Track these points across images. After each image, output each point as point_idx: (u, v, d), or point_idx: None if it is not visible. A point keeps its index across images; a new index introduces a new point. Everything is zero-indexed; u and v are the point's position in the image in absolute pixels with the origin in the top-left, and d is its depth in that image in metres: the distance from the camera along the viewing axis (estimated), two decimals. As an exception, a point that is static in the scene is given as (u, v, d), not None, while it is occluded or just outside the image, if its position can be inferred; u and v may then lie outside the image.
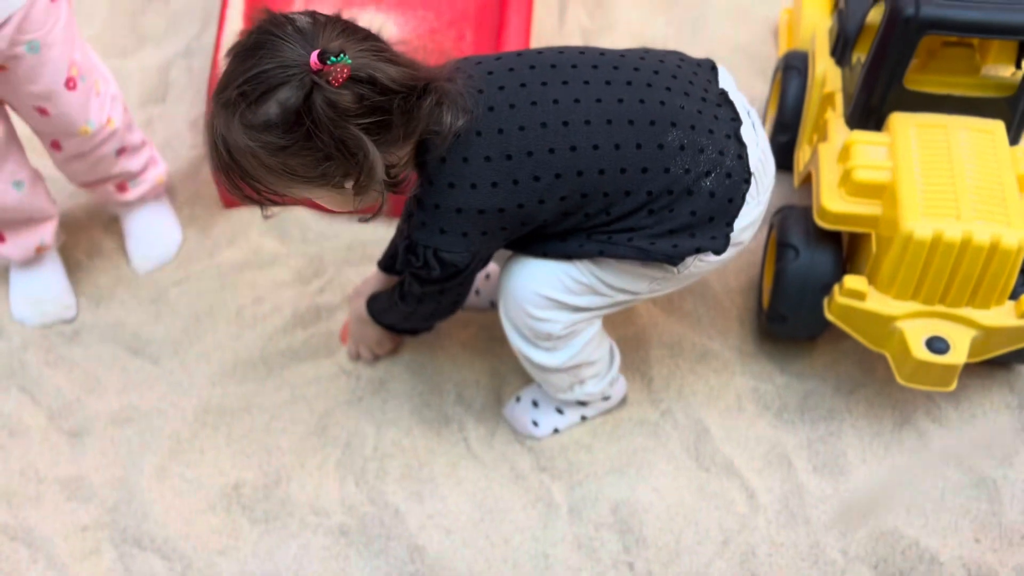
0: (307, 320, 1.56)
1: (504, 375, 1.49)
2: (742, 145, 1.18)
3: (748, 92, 1.83)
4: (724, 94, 1.21)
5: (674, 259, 1.17)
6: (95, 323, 1.57)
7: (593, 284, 1.22)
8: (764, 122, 1.78)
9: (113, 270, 1.63)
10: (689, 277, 1.25)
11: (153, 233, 1.63)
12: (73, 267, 1.63)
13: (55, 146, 1.46)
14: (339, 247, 1.66)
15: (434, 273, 1.18)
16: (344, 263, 1.63)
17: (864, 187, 1.31)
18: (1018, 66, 1.41)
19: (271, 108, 1.00)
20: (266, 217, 1.17)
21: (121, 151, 1.52)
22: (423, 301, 1.26)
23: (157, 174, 1.61)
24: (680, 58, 1.24)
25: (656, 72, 1.18)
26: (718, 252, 1.19)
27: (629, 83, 1.16)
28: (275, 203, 1.13)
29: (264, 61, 1.00)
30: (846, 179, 1.32)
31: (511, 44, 1.71)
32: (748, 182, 1.18)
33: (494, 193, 1.12)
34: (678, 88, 1.17)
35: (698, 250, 1.17)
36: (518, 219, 1.15)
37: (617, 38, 1.97)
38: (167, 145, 1.78)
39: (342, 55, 0.99)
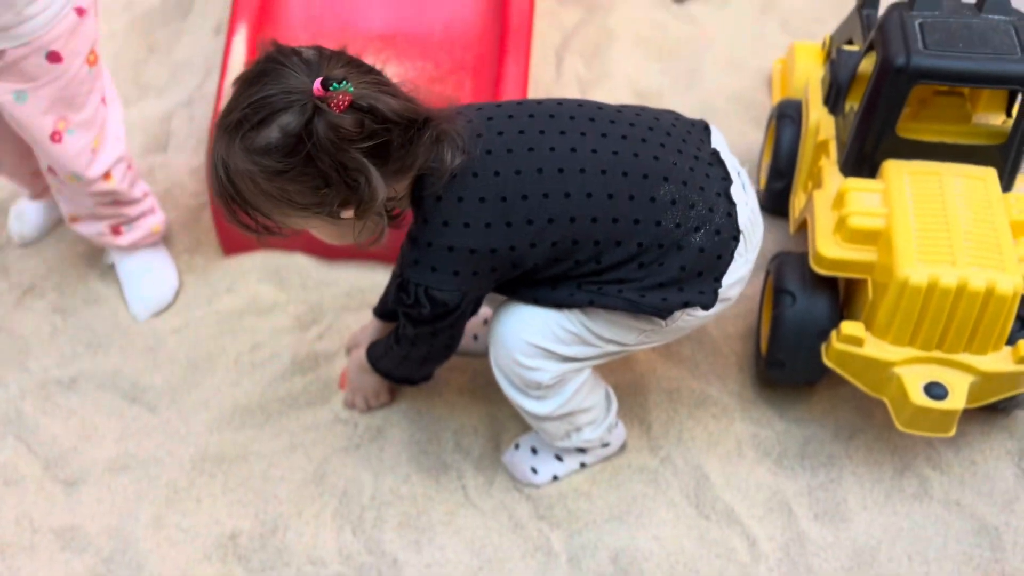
0: (305, 367, 1.56)
1: (502, 421, 1.48)
2: (732, 204, 1.20)
3: (743, 140, 1.87)
4: (716, 154, 1.24)
5: (663, 312, 1.18)
6: (93, 371, 1.56)
7: (582, 334, 1.22)
8: (759, 169, 1.81)
9: (111, 317, 1.63)
10: (677, 331, 1.26)
11: (150, 278, 1.64)
12: (70, 314, 1.63)
13: (50, 170, 1.47)
14: (338, 294, 1.66)
15: (424, 311, 1.18)
16: (343, 310, 1.64)
17: (859, 233, 1.32)
18: (1008, 114, 1.43)
19: (272, 132, 1.02)
20: (260, 242, 1.17)
21: (116, 202, 1.53)
22: (416, 344, 1.26)
23: (154, 223, 1.62)
24: (675, 117, 1.26)
25: (651, 128, 1.20)
26: (706, 307, 1.20)
27: (624, 137, 1.18)
28: (271, 232, 1.14)
29: (268, 87, 1.02)
30: (841, 225, 1.34)
31: (509, 93, 1.74)
32: (737, 239, 1.20)
33: (487, 233, 1.13)
34: (672, 145, 1.20)
35: (686, 304, 1.19)
36: (509, 261, 1.16)
37: (613, 88, 2.00)
38: (167, 193, 1.80)
39: (344, 82, 1.01)
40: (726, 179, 1.21)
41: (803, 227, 1.50)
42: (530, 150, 1.15)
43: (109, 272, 1.68)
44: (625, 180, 1.15)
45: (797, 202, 1.58)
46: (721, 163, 1.23)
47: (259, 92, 1.03)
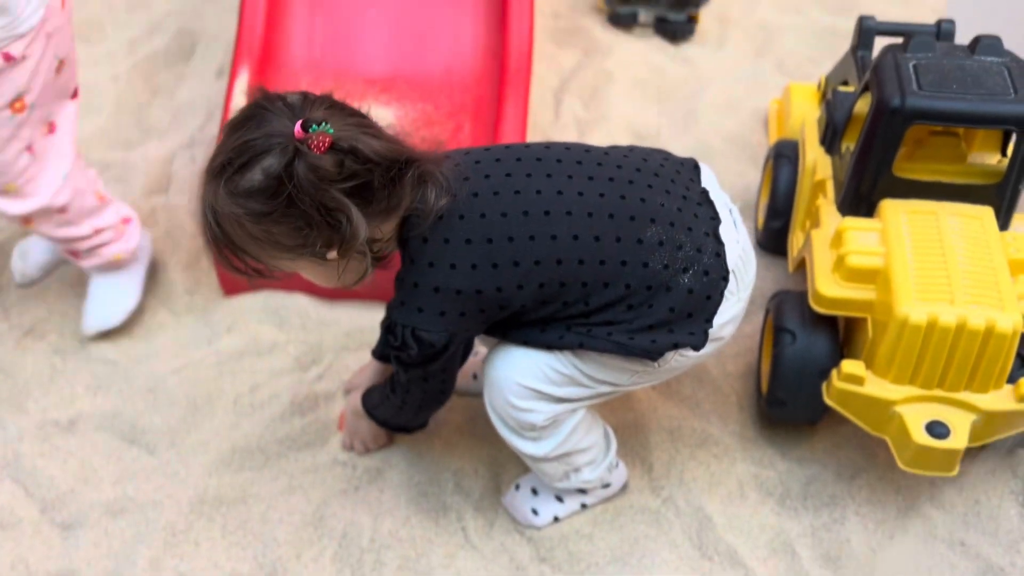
0: (305, 408, 1.56)
1: (503, 462, 1.48)
2: (720, 244, 1.20)
3: (740, 179, 1.89)
4: (705, 193, 1.24)
5: (652, 354, 1.18)
6: (92, 412, 1.56)
7: (574, 375, 1.22)
8: (756, 208, 1.82)
9: (109, 361, 1.63)
10: (670, 371, 1.25)
11: (107, 297, 1.64)
12: (70, 356, 1.63)
13: None
14: (338, 334, 1.66)
15: (412, 353, 1.18)
16: (343, 350, 1.64)
17: (858, 272, 1.32)
18: (1003, 153, 1.44)
19: (255, 175, 1.04)
20: (252, 284, 1.19)
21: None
22: (410, 390, 1.26)
23: (115, 251, 1.61)
24: (664, 157, 1.27)
25: (639, 170, 1.21)
26: (697, 348, 1.19)
27: (611, 179, 1.19)
28: (262, 275, 1.16)
29: (251, 132, 1.05)
30: (840, 264, 1.34)
31: (508, 135, 1.75)
32: (726, 279, 1.19)
33: (473, 275, 1.14)
34: (660, 186, 1.20)
35: (676, 345, 1.18)
36: (496, 302, 1.16)
37: (611, 129, 2.02)
38: (168, 235, 1.81)
39: (324, 124, 1.04)
40: (715, 218, 1.21)
41: (802, 266, 1.50)
42: (516, 193, 1.16)
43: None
44: (612, 222, 1.16)
45: (795, 241, 1.58)
46: (710, 202, 1.23)
47: (243, 136, 1.06)
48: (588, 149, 1.23)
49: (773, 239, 1.71)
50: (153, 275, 1.75)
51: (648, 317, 1.17)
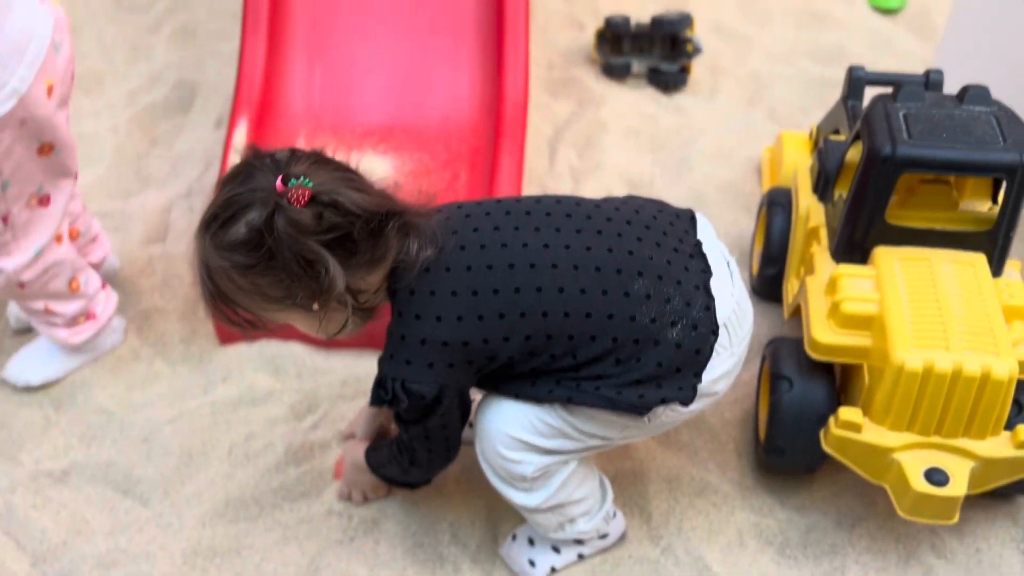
0: (300, 457, 1.55)
1: (499, 512, 1.46)
2: (710, 297, 1.19)
3: (734, 227, 1.90)
4: (698, 245, 1.24)
5: (640, 409, 1.18)
6: (86, 463, 1.54)
7: (563, 428, 1.22)
8: (751, 256, 1.83)
9: (105, 410, 1.62)
10: (661, 426, 1.25)
11: (37, 355, 1.64)
12: (64, 406, 1.62)
13: None
14: (333, 382, 1.66)
15: (403, 405, 1.18)
16: (338, 398, 1.63)
17: (853, 319, 1.33)
18: (994, 201, 1.46)
19: (239, 228, 1.07)
20: (247, 337, 1.21)
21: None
22: (415, 448, 1.26)
23: (61, 336, 1.59)
24: (659, 208, 1.27)
25: (629, 222, 1.22)
26: (685, 403, 1.19)
27: (599, 232, 1.19)
28: (255, 327, 1.17)
29: (237, 187, 1.09)
30: (835, 311, 1.35)
31: (504, 184, 1.77)
32: (716, 334, 1.19)
33: (459, 326, 1.14)
34: (650, 238, 1.20)
35: (663, 401, 1.17)
36: (484, 354, 1.16)
37: (605, 178, 2.04)
38: (166, 284, 1.81)
39: (303, 178, 1.07)
40: (706, 271, 1.21)
41: (797, 313, 1.51)
42: (503, 246, 1.17)
43: (101, 365, 1.68)
44: (598, 275, 1.16)
45: (790, 288, 1.59)
46: (702, 255, 1.23)
47: (230, 191, 1.09)
48: (579, 202, 1.24)
49: (768, 286, 1.71)
50: (149, 325, 1.75)
51: (636, 371, 1.16)
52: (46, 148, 1.41)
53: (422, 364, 1.15)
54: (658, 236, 1.21)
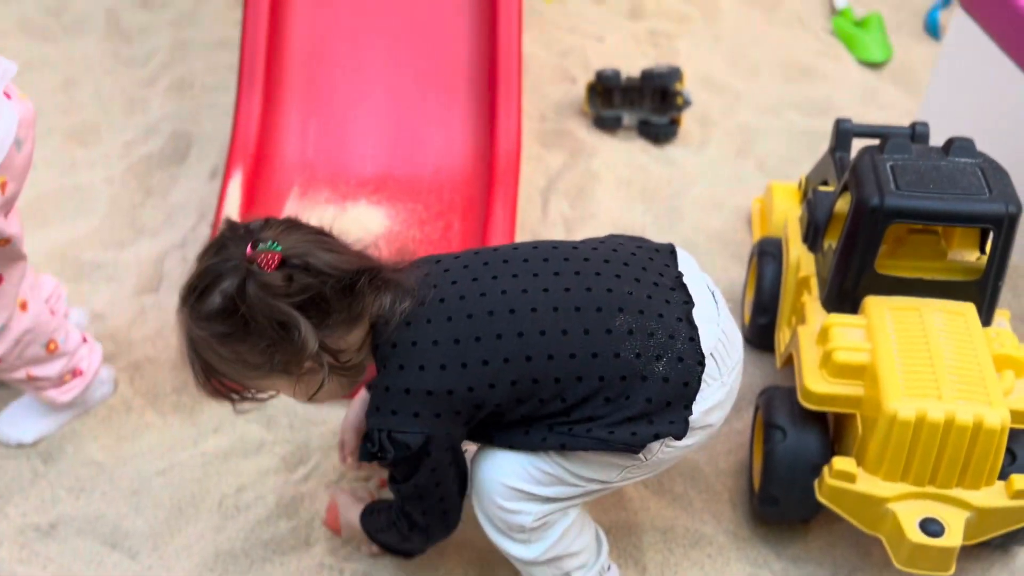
0: (291, 510, 1.53)
1: (493, 566, 1.44)
2: (694, 328, 1.19)
3: (725, 276, 1.91)
4: (679, 277, 1.24)
5: (634, 447, 1.17)
6: (74, 516, 1.53)
7: (560, 475, 1.21)
8: (742, 305, 1.84)
9: (94, 462, 1.60)
10: (659, 463, 1.24)
11: (27, 413, 1.62)
12: (53, 459, 1.61)
13: None
14: (326, 433, 1.65)
15: (389, 456, 1.17)
16: (330, 449, 1.62)
17: (845, 368, 1.33)
18: (982, 251, 1.47)
19: (215, 298, 1.10)
20: (238, 412, 1.23)
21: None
22: (411, 513, 1.24)
23: (50, 396, 1.58)
24: (638, 244, 1.29)
25: (607, 261, 1.23)
26: (678, 437, 1.18)
27: (578, 272, 1.20)
28: (244, 398, 1.22)
29: (212, 258, 1.13)
30: (826, 361, 1.35)
31: (497, 234, 1.78)
32: (702, 364, 1.18)
33: (442, 375, 1.15)
34: (629, 274, 1.21)
35: (656, 436, 1.17)
36: (469, 402, 1.16)
37: (597, 227, 2.05)
38: (158, 334, 1.81)
39: (271, 242, 1.10)
40: (688, 303, 1.21)
41: (789, 362, 1.51)
42: (482, 295, 1.18)
43: (92, 416, 1.67)
44: (578, 315, 1.17)
45: (782, 337, 1.60)
46: (683, 287, 1.23)
47: (205, 263, 1.13)
48: (556, 246, 1.26)
49: (760, 335, 1.72)
50: (141, 375, 1.74)
51: (626, 409, 1.16)
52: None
53: (407, 414, 1.15)
54: (637, 272, 1.22)
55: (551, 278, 1.19)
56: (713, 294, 1.27)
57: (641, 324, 1.17)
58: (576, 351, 1.16)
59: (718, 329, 1.23)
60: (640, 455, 1.19)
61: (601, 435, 1.16)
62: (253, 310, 1.08)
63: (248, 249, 1.10)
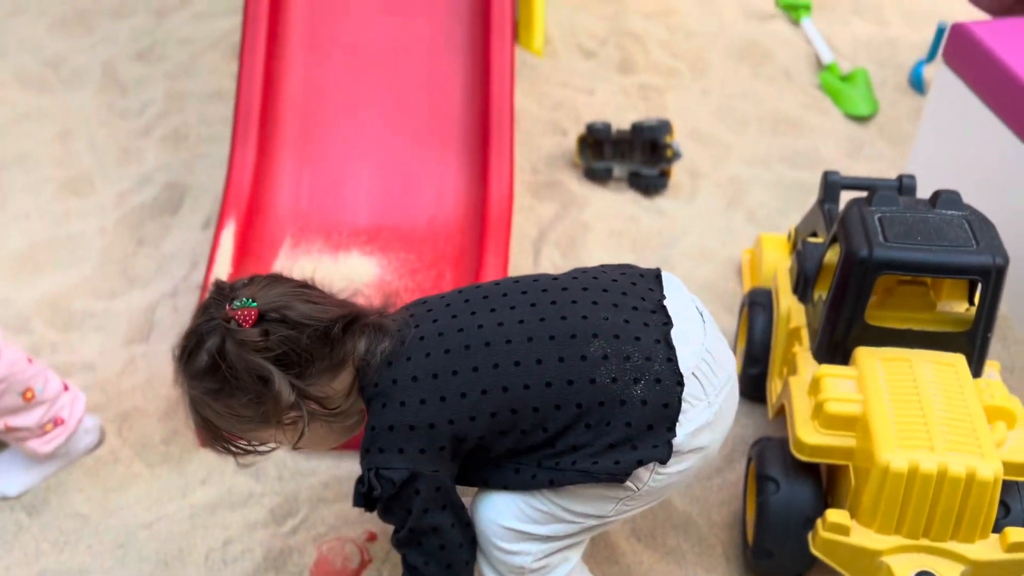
0: (278, 563, 1.51)
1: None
2: (671, 348, 1.18)
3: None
4: (661, 300, 1.24)
5: (619, 475, 1.16)
6: (57, 569, 1.50)
7: (555, 512, 1.20)
8: (734, 355, 1.83)
9: (80, 515, 1.58)
10: (654, 493, 1.22)
11: (10, 467, 1.61)
12: (38, 511, 1.58)
13: None
14: (315, 484, 1.63)
15: (375, 493, 1.18)
16: (319, 501, 1.60)
17: (837, 419, 1.33)
18: (971, 302, 1.49)
19: (203, 357, 1.15)
20: (241, 466, 1.30)
21: None
22: (416, 567, 1.22)
23: (32, 446, 1.56)
24: (621, 271, 1.30)
25: (585, 288, 1.24)
26: (663, 461, 1.17)
27: (554, 303, 1.22)
28: (246, 452, 1.24)
29: (200, 318, 1.18)
30: (819, 412, 1.35)
31: (489, 283, 1.79)
32: (681, 384, 1.17)
33: (423, 410, 1.16)
34: (606, 301, 1.22)
35: (640, 462, 1.16)
36: (451, 435, 1.17)
37: (589, 277, 2.06)
38: (148, 384, 1.79)
39: (246, 299, 1.14)
40: (667, 324, 1.21)
41: (781, 412, 1.51)
42: (460, 330, 1.21)
43: (78, 467, 1.65)
44: (552, 343, 1.18)
45: (774, 388, 1.60)
46: (664, 309, 1.22)
47: (194, 324, 1.18)
48: (536, 278, 1.27)
49: (752, 386, 1.72)
50: (130, 425, 1.73)
51: (608, 435, 1.15)
52: None
53: (393, 451, 1.17)
54: (616, 297, 1.23)
55: (528, 309, 1.21)
56: (702, 314, 1.27)
57: (616, 348, 1.17)
58: (552, 379, 1.16)
59: (701, 348, 1.22)
60: (631, 485, 1.18)
61: (585, 466, 1.16)
62: (233, 366, 1.13)
63: (227, 307, 1.14)
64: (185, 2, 2.96)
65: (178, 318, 1.94)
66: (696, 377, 1.20)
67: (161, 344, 1.89)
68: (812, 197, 2.18)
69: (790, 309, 1.58)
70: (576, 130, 2.45)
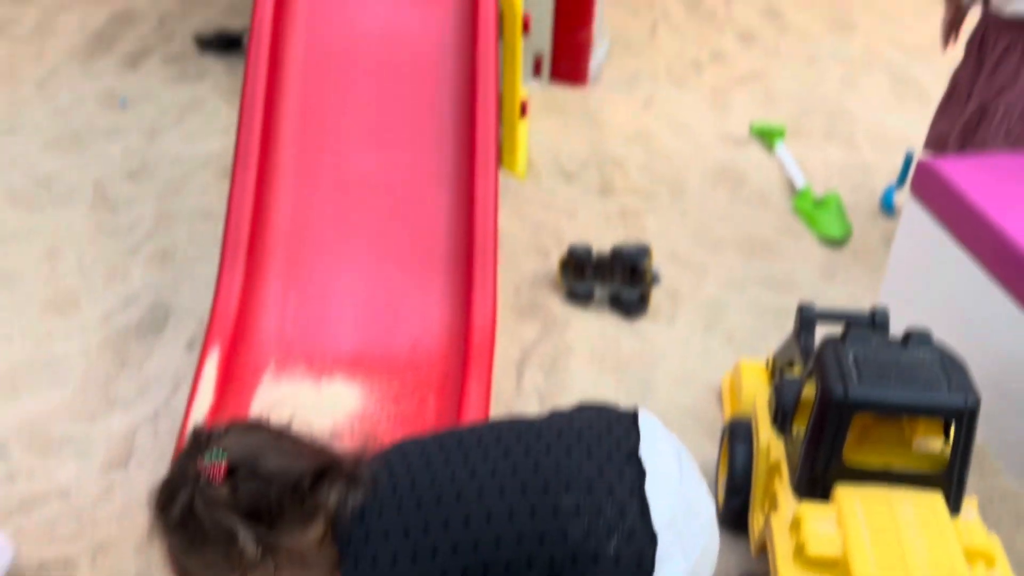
0: None
1: None
2: (645, 503, 1.17)
3: (699, 454, 1.90)
4: (635, 447, 1.23)
5: None
6: None
7: None
8: (716, 485, 1.84)
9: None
10: None
11: None
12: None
13: None
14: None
15: None
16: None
17: (819, 561, 1.33)
18: (947, 437, 1.51)
19: (175, 511, 1.13)
20: None
21: None
22: None
23: None
24: (597, 413, 1.29)
25: (560, 435, 1.23)
26: None
27: (527, 452, 1.21)
28: None
29: (175, 468, 1.17)
30: (800, 553, 1.35)
31: (472, 409, 1.79)
32: (655, 542, 1.16)
33: (394, 568, 1.14)
34: (580, 449, 1.21)
35: None
36: None
37: (571, 400, 2.05)
38: (124, 513, 1.77)
39: (219, 451, 1.13)
40: (642, 475, 1.20)
41: (764, 548, 1.51)
42: (432, 482, 1.19)
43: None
44: (524, 496, 1.17)
45: (756, 522, 1.60)
46: (637, 460, 1.21)
47: (169, 474, 1.17)
48: (511, 424, 1.27)
49: (734, 517, 1.72)
50: (105, 555, 1.69)
51: None
52: None
53: None
54: (588, 446, 1.22)
55: (500, 458, 1.20)
56: (680, 458, 1.26)
57: (590, 502, 1.16)
58: (523, 534, 1.15)
59: (676, 497, 1.20)
60: None
61: None
62: (202, 523, 1.12)
63: (198, 461, 1.13)
64: (177, 123, 3.04)
65: (158, 443, 1.93)
66: (672, 528, 1.19)
67: (140, 471, 1.87)
68: (788, 320, 2.21)
69: (769, 443, 1.60)
70: (558, 251, 2.51)
